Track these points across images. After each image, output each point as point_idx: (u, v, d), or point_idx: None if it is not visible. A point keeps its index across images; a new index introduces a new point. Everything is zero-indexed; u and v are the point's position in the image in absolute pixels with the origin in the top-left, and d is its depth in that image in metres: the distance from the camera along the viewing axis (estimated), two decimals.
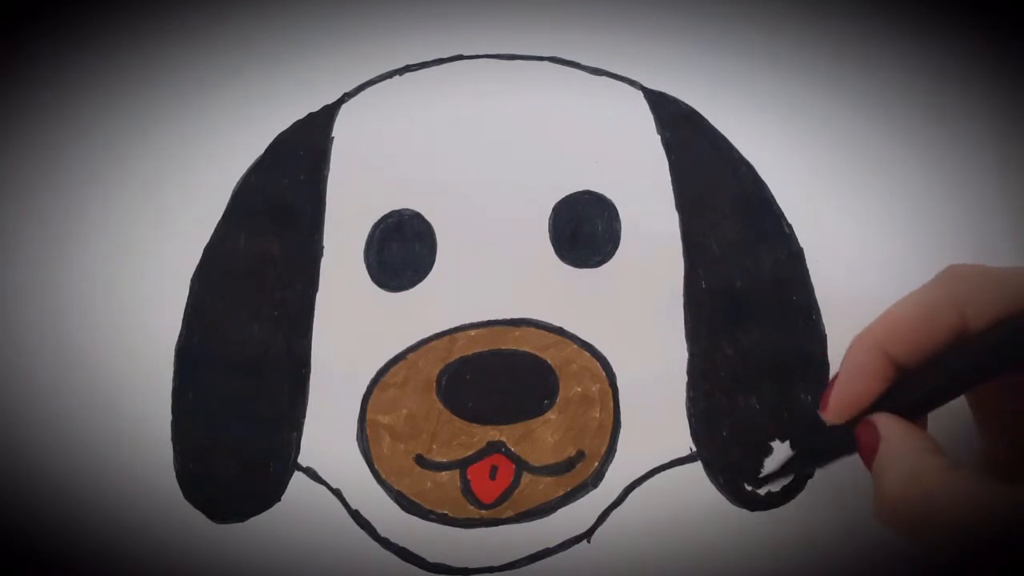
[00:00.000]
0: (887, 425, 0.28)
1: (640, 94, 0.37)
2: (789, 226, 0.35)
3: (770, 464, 0.33)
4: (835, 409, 0.29)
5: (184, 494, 0.33)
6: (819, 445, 0.31)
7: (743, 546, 0.33)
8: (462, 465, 0.33)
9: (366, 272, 0.34)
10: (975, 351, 0.27)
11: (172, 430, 0.33)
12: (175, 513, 0.33)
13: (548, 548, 0.33)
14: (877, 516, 0.27)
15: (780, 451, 0.33)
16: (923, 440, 0.27)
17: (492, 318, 0.34)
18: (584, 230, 0.34)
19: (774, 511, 0.33)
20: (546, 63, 0.37)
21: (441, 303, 0.34)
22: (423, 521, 0.33)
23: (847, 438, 0.29)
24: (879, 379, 0.28)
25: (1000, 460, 0.30)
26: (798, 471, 0.33)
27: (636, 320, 0.34)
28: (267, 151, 0.36)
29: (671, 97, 0.37)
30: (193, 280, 0.35)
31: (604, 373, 0.33)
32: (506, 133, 0.36)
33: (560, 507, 0.33)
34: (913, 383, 0.28)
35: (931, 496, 0.25)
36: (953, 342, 0.28)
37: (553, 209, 0.34)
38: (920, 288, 0.28)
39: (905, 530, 0.26)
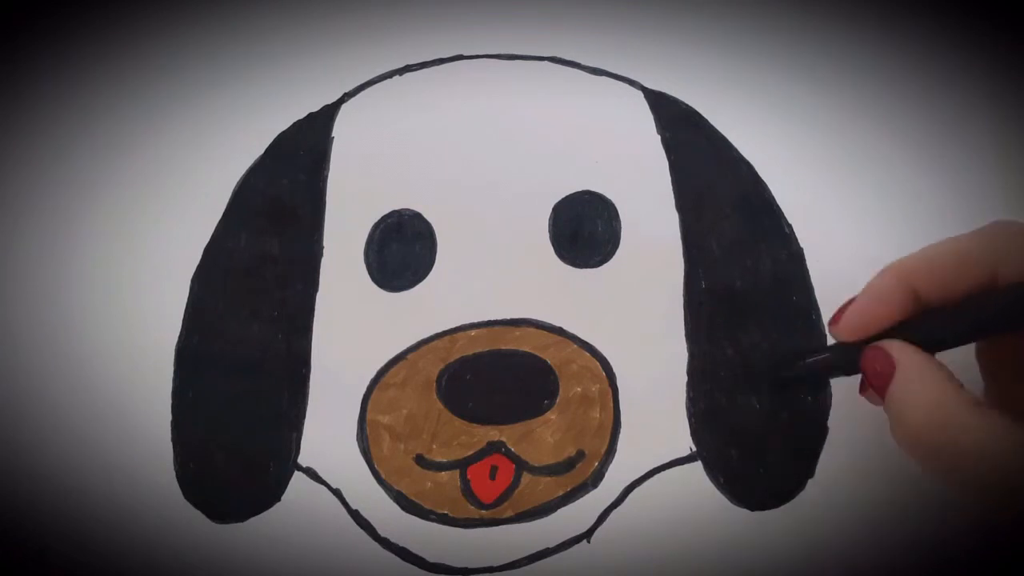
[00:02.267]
0: (904, 353, 0.28)
1: (640, 94, 0.37)
2: (789, 226, 0.35)
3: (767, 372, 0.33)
4: (847, 326, 0.30)
5: (184, 494, 0.33)
6: (819, 361, 0.32)
7: (743, 546, 0.33)
8: (462, 465, 0.33)
9: (366, 272, 0.34)
10: (1005, 299, 0.27)
11: (172, 430, 0.33)
12: (175, 513, 0.33)
13: (548, 548, 0.33)
14: (899, 444, 0.27)
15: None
16: (945, 372, 0.27)
17: (492, 318, 0.34)
18: (584, 230, 0.34)
19: (774, 511, 0.33)
20: (546, 63, 0.37)
21: (441, 303, 0.34)
22: (423, 521, 0.33)
23: (849, 359, 0.29)
24: (897, 307, 0.29)
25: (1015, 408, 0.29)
26: (792, 381, 0.33)
27: (636, 320, 0.34)
28: (267, 151, 0.36)
29: (671, 97, 0.37)
30: (193, 280, 0.35)
31: (604, 373, 0.33)
32: (506, 133, 0.36)
33: (560, 507, 0.33)
34: (932, 320, 0.29)
35: (956, 428, 0.25)
36: (979, 292, 0.28)
37: (553, 209, 0.34)
38: (962, 234, 0.29)
39: (926, 461, 0.27)
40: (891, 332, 0.29)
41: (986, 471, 0.25)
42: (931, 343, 0.29)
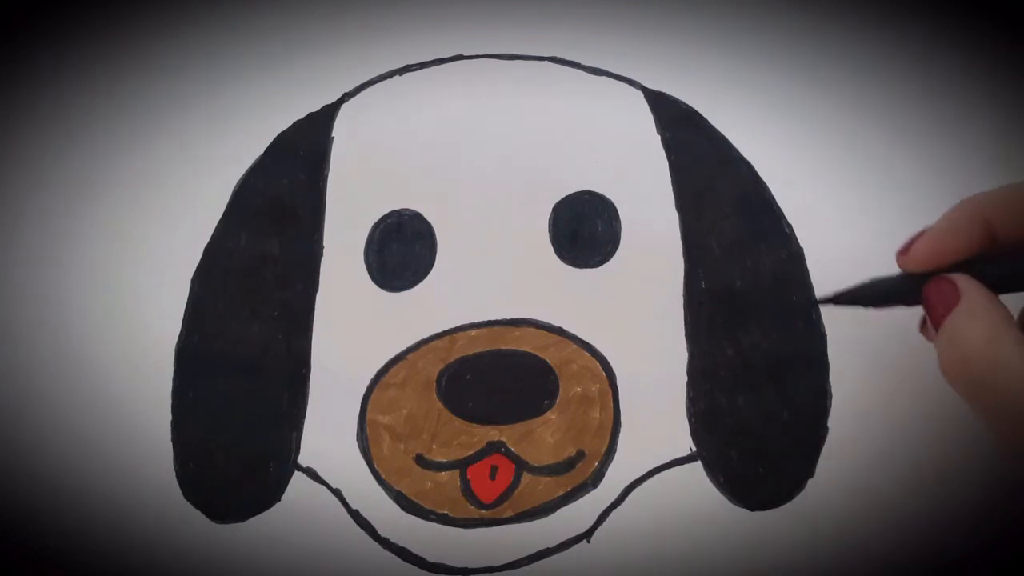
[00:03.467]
0: (970, 286, 0.28)
1: (640, 94, 0.37)
2: (789, 226, 0.35)
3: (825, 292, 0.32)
4: (918, 256, 0.29)
5: (184, 494, 0.33)
6: (882, 282, 0.31)
7: (743, 546, 0.33)
8: (462, 465, 0.33)
9: (366, 272, 0.34)
10: None
11: (172, 430, 0.34)
12: (175, 513, 0.33)
13: (548, 548, 0.33)
14: (946, 373, 0.27)
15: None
16: (1005, 311, 0.27)
17: (492, 318, 0.34)
18: (584, 230, 0.34)
19: (774, 511, 0.33)
20: (546, 63, 0.37)
21: (441, 303, 0.34)
22: (423, 521, 0.33)
23: (911, 289, 0.29)
24: (971, 241, 0.28)
25: None
26: (846, 303, 0.32)
27: (636, 320, 0.34)
28: (267, 151, 0.36)
29: (671, 97, 0.37)
30: (193, 280, 0.35)
31: (604, 373, 0.33)
32: (506, 133, 0.36)
33: (560, 507, 0.33)
34: (1004, 260, 0.28)
35: (1004, 366, 0.26)
36: None
37: (553, 209, 0.34)
38: None
39: (969, 393, 0.27)
40: (959, 268, 0.29)
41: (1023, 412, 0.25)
42: (999, 283, 0.28)
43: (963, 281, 0.28)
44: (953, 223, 0.29)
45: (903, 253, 0.30)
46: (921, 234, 0.29)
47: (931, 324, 0.29)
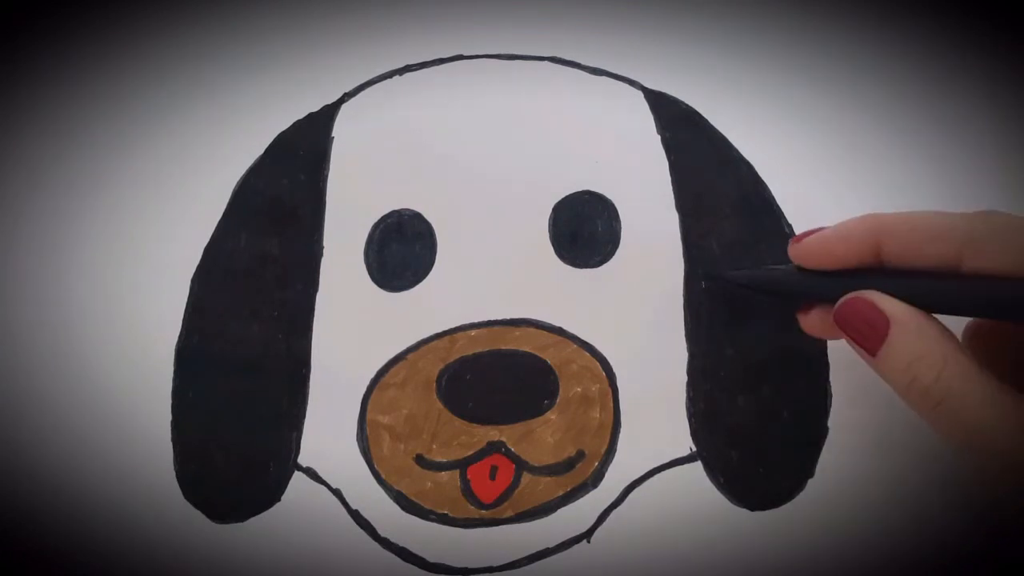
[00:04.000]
0: (898, 308, 0.27)
1: (640, 94, 0.37)
2: (789, 226, 0.35)
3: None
4: (807, 250, 0.30)
5: (184, 494, 0.33)
6: (771, 276, 0.32)
7: (743, 546, 0.33)
8: (462, 465, 0.33)
9: (366, 272, 0.34)
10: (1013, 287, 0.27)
11: (172, 430, 0.34)
12: (175, 513, 0.33)
13: (548, 548, 0.33)
14: (907, 402, 0.27)
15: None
16: (945, 330, 0.27)
17: (492, 318, 0.34)
18: (584, 230, 0.34)
19: (774, 511, 0.33)
20: (546, 63, 0.37)
21: (441, 303, 0.34)
22: (423, 521, 0.33)
23: (801, 286, 0.30)
24: (859, 250, 0.29)
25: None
26: (735, 285, 0.33)
27: (636, 320, 0.34)
28: (267, 151, 0.36)
29: (671, 97, 0.37)
30: (193, 280, 0.35)
31: (604, 373, 0.33)
32: (506, 133, 0.36)
33: (560, 507, 0.33)
34: (924, 281, 0.28)
35: (961, 395, 0.26)
36: (937, 269, 0.28)
37: (553, 209, 0.34)
38: (948, 211, 0.28)
39: (936, 423, 0.27)
40: (841, 276, 0.29)
41: (989, 442, 0.25)
42: (921, 303, 0.28)
43: (888, 303, 0.28)
44: (847, 228, 0.29)
45: (795, 242, 0.30)
46: (816, 231, 0.30)
47: (858, 345, 0.28)
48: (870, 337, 0.28)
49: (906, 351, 0.27)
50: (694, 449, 0.33)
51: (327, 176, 0.35)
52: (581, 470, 0.33)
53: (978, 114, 0.37)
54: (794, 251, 0.31)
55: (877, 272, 0.29)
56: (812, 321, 0.32)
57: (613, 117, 0.36)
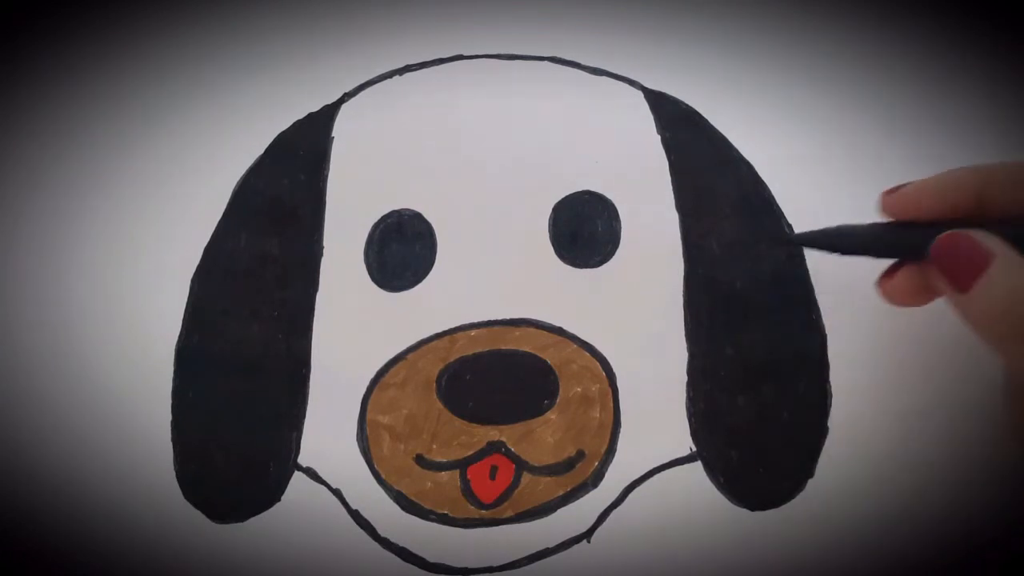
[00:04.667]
0: (998, 244, 0.27)
1: (640, 94, 0.37)
2: (789, 226, 0.35)
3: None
4: (901, 202, 0.29)
5: (184, 494, 0.33)
6: (854, 234, 0.31)
7: (743, 546, 0.33)
8: (462, 465, 0.33)
9: (366, 272, 0.34)
10: None
11: (172, 430, 0.34)
12: (175, 513, 0.33)
13: (548, 548, 0.33)
14: (990, 329, 0.27)
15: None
16: None
17: (492, 318, 0.34)
18: (584, 230, 0.34)
19: (774, 511, 0.33)
20: (546, 63, 0.37)
21: (441, 303, 0.34)
22: (423, 521, 0.33)
23: (884, 240, 0.30)
24: (960, 199, 0.28)
25: None
26: (810, 244, 0.32)
27: (636, 320, 0.34)
28: (267, 151, 0.36)
29: (671, 97, 0.37)
30: (193, 280, 0.35)
31: (604, 373, 0.33)
32: (506, 133, 0.36)
33: (560, 507, 0.33)
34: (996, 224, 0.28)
35: None
36: None
37: (553, 209, 0.34)
38: None
39: (1007, 340, 0.26)
40: (936, 226, 0.28)
41: None
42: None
43: (988, 239, 0.27)
44: (945, 179, 0.29)
45: (887, 194, 0.30)
46: (909, 183, 0.30)
47: (950, 279, 0.28)
48: (966, 270, 0.27)
49: (1007, 284, 0.27)
50: (694, 449, 0.33)
51: (327, 176, 0.35)
52: (581, 470, 0.33)
53: (978, 114, 0.37)
54: (888, 201, 0.30)
55: (974, 222, 0.28)
56: (897, 283, 0.31)
57: (613, 117, 0.36)
